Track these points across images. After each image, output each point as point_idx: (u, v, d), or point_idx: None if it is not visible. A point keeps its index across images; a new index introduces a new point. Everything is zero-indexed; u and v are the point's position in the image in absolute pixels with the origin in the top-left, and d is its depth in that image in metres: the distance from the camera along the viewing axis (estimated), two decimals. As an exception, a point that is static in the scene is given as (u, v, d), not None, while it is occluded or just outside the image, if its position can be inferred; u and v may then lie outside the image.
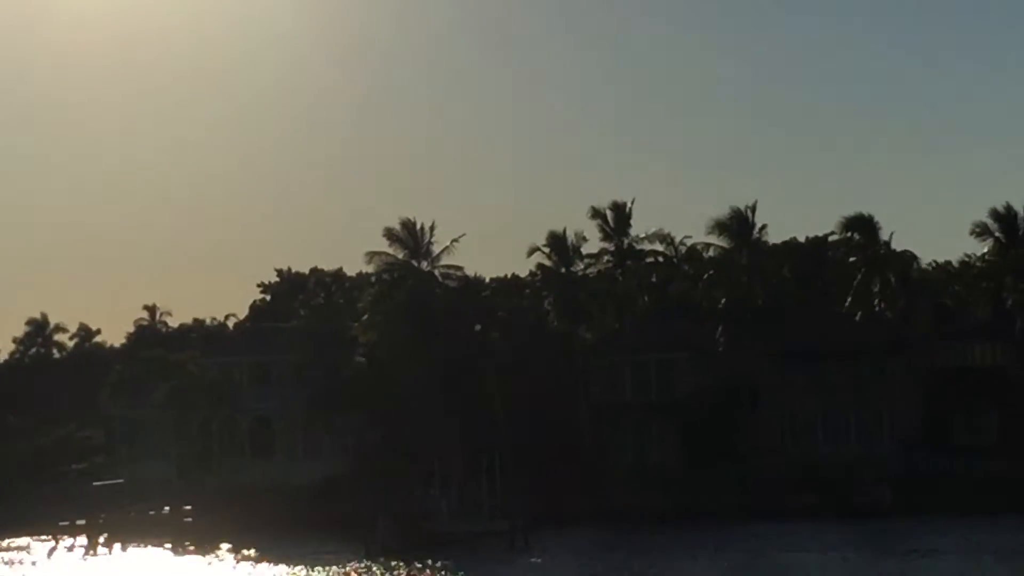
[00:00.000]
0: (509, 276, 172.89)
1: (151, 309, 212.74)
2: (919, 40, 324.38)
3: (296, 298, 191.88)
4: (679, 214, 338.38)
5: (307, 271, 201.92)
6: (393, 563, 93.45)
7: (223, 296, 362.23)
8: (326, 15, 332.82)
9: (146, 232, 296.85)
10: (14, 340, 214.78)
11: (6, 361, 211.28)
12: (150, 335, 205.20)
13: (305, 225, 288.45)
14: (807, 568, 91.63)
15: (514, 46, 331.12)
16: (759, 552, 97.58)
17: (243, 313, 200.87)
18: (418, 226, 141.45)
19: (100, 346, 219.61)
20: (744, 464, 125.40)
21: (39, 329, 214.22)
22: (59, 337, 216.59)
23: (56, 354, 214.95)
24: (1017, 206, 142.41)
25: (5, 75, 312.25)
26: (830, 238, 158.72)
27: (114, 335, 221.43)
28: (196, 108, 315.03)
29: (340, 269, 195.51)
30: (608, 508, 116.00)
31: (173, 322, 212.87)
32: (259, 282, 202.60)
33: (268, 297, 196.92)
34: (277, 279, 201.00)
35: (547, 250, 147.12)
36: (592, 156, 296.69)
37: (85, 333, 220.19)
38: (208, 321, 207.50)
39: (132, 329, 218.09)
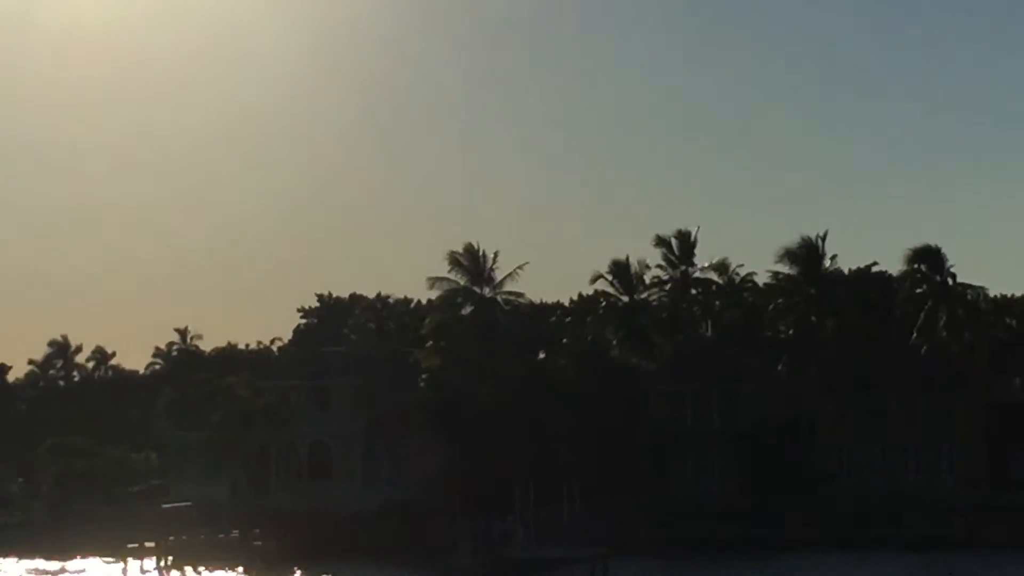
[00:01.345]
0: (571, 301, 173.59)
1: (182, 332, 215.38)
2: (981, 74, 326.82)
3: (340, 322, 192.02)
4: (743, 244, 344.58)
5: (347, 296, 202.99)
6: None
7: (253, 321, 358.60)
8: (372, 47, 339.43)
9: (173, 257, 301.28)
10: (31, 362, 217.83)
11: (48, 384, 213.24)
12: (185, 358, 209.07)
13: (339, 252, 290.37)
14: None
15: (580, 73, 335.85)
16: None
17: (287, 337, 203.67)
18: (480, 252, 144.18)
19: (116, 368, 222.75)
20: (807, 495, 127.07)
21: (61, 351, 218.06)
22: (79, 359, 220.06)
23: (76, 376, 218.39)
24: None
25: (44, 101, 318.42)
26: (897, 270, 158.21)
27: (133, 359, 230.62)
28: (232, 136, 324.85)
29: (379, 294, 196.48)
30: (673, 537, 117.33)
31: (205, 345, 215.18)
32: (299, 307, 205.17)
33: (315, 320, 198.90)
34: (318, 304, 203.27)
35: (610, 277, 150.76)
36: (658, 185, 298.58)
37: (101, 356, 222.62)
38: (252, 345, 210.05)
39: (153, 352, 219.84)
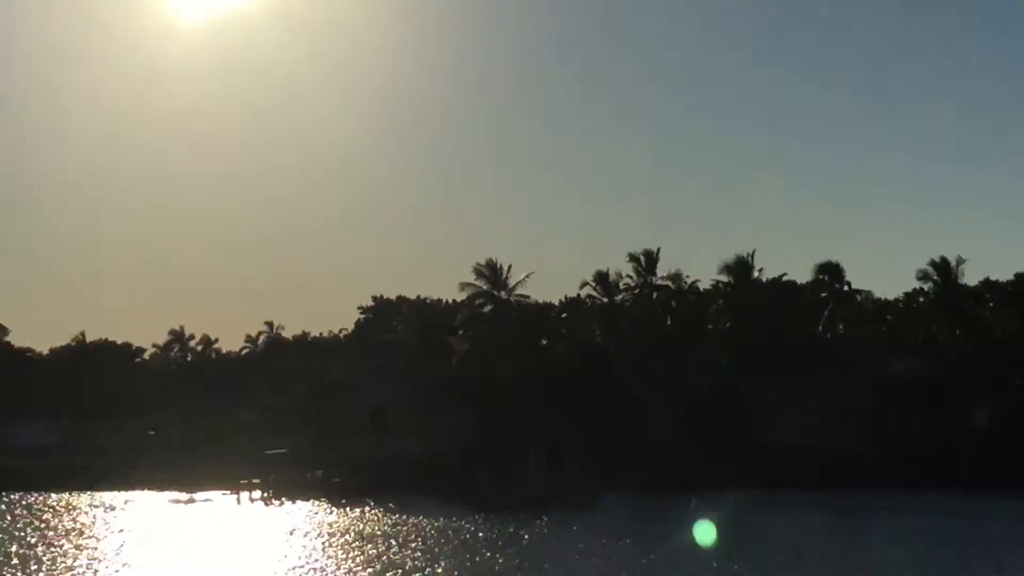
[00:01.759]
0: (565, 301, 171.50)
1: (270, 323, 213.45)
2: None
3: (390, 316, 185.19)
4: (692, 260, 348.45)
5: (394, 297, 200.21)
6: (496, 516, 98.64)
7: (324, 315, 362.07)
8: (405, 86, 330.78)
9: (262, 265, 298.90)
10: (154, 345, 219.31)
11: (170, 363, 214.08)
12: (272, 343, 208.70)
13: (388, 262, 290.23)
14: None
15: (578, 133, 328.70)
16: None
17: (350, 328, 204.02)
18: (498, 265, 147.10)
19: (219, 351, 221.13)
20: (740, 445, 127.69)
21: (178, 337, 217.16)
22: (192, 344, 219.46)
23: (189, 356, 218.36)
24: (951, 257, 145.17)
25: (163, 143, 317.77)
26: (806, 280, 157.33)
27: (230, 344, 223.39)
28: (305, 172, 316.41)
29: (419, 296, 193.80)
30: (646, 476, 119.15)
31: (286, 334, 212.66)
32: (359, 305, 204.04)
33: (371, 315, 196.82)
34: (372, 303, 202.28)
35: (594, 284, 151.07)
36: (631, 214, 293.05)
37: (207, 342, 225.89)
38: (324, 334, 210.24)
39: (244, 339, 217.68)
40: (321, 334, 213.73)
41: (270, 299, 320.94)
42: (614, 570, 68.75)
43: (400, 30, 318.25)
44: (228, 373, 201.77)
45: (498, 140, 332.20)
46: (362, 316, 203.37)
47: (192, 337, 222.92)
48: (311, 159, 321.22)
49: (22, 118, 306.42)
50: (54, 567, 74.91)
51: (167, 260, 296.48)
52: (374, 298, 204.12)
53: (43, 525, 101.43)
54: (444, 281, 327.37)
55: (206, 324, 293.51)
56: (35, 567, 74.11)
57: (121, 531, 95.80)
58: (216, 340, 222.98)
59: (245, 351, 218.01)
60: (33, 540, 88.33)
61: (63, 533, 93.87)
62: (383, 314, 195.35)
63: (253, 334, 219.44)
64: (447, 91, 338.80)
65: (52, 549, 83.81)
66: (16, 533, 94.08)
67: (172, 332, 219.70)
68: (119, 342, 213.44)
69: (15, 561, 77.16)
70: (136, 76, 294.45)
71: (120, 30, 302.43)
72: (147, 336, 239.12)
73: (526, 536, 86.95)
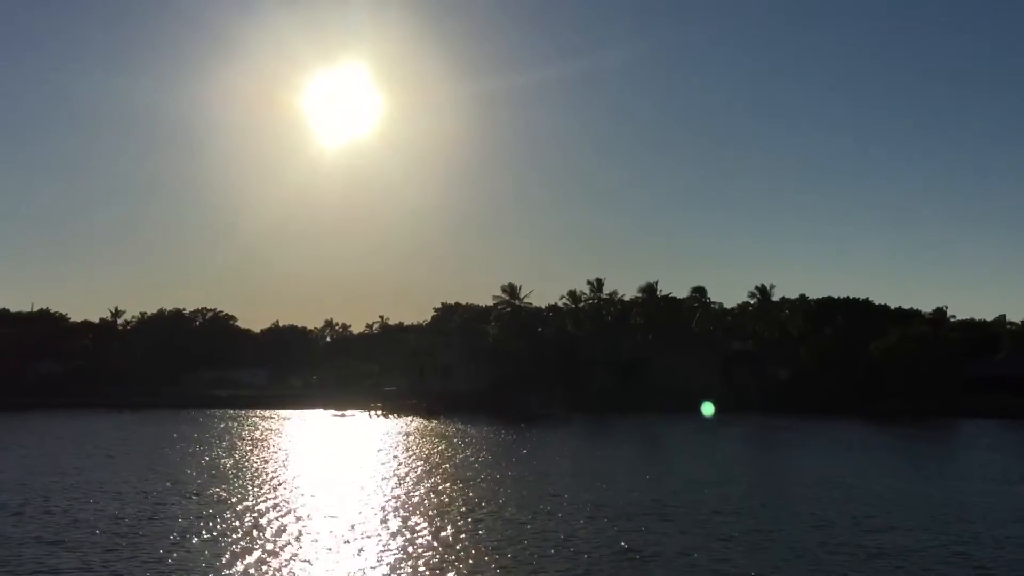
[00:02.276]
0: (550, 306, 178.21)
1: (382, 316, 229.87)
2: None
3: (452, 313, 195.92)
4: (620, 281, 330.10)
5: (452, 302, 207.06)
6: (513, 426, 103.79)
7: (413, 311, 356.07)
8: (457, 175, 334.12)
9: (372, 275, 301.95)
10: (316, 328, 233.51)
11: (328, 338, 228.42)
12: (383, 328, 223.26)
13: (450, 280, 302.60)
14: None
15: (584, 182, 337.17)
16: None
17: (427, 320, 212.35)
18: (515, 286, 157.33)
19: (351, 332, 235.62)
20: (644, 387, 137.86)
21: (328, 324, 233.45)
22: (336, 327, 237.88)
23: (330, 338, 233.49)
24: (767, 283, 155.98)
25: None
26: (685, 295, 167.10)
27: (356, 327, 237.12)
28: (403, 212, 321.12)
29: (468, 303, 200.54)
30: (590, 406, 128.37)
31: (392, 322, 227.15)
32: (434, 306, 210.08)
33: (439, 312, 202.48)
34: (441, 305, 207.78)
35: (568, 298, 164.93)
36: (585, 254, 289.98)
37: (343, 326, 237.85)
38: (414, 322, 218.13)
39: (365, 326, 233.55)
40: (412, 323, 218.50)
41: (381, 300, 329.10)
42: (577, 453, 74.70)
43: (450, 147, 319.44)
44: (357, 344, 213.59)
45: (515, 203, 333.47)
46: (435, 312, 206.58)
47: (336, 323, 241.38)
48: (405, 221, 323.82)
49: (234, 197, 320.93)
50: (271, 442, 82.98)
51: (325, 277, 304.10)
52: (442, 303, 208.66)
53: (260, 425, 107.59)
54: (480, 292, 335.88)
55: (345, 315, 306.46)
56: (260, 445, 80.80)
57: (305, 429, 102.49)
58: (350, 325, 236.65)
59: (365, 331, 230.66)
60: (256, 433, 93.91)
61: (271, 430, 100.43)
62: (447, 311, 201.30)
63: (370, 322, 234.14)
64: (484, 176, 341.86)
65: (267, 436, 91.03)
66: (243, 430, 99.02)
67: (326, 321, 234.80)
68: (298, 326, 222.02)
69: (249, 442, 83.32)
70: (300, 176, 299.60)
71: (289, 151, 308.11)
72: (313, 321, 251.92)
73: (532, 435, 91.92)
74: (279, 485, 53.57)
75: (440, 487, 52.97)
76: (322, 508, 44.99)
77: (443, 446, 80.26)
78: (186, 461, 66.91)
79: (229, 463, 65.52)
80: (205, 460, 67.05)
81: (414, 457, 69.52)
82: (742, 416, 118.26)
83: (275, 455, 71.21)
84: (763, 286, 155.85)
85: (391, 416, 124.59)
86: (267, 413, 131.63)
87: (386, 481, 55.74)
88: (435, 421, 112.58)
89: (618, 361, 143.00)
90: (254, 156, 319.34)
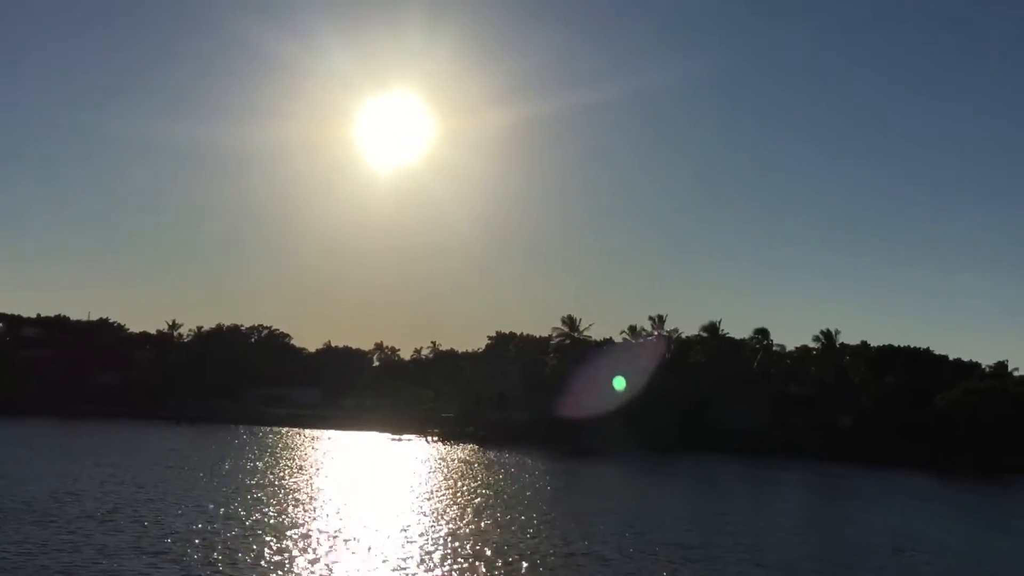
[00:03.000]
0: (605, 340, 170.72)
1: (434, 343, 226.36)
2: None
3: (508, 342, 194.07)
4: (682, 319, 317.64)
5: (508, 332, 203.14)
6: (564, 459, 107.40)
7: (467, 339, 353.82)
8: (505, 205, 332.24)
9: (429, 305, 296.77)
10: (368, 352, 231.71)
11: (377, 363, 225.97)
12: (435, 354, 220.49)
13: (505, 305, 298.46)
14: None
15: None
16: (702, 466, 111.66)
17: (480, 348, 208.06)
18: (574, 318, 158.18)
19: (400, 357, 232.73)
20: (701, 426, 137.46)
21: (378, 347, 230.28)
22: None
23: (377, 362, 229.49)
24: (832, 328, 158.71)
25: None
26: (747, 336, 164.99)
27: (405, 353, 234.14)
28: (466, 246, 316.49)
29: (523, 332, 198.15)
30: (647, 442, 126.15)
31: (444, 347, 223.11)
32: (488, 334, 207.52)
33: (494, 342, 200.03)
34: (496, 334, 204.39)
35: (628, 333, 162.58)
36: (651, 290, 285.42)
37: (392, 350, 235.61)
38: (468, 350, 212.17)
39: (413, 352, 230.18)
40: (464, 350, 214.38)
41: (433, 327, 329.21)
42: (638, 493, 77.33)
43: (500, 172, 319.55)
44: (410, 369, 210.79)
45: (568, 231, 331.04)
46: (490, 340, 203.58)
47: (386, 346, 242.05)
48: (455, 246, 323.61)
49: (291, 219, 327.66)
50: (336, 464, 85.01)
51: (374, 300, 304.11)
52: (497, 332, 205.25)
53: (320, 446, 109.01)
54: (532, 321, 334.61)
55: (393, 339, 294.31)
56: (325, 466, 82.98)
57: (365, 452, 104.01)
58: (398, 349, 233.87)
59: (415, 356, 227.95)
60: (319, 455, 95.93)
61: (333, 451, 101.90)
62: (502, 340, 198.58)
63: (417, 347, 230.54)
64: (535, 202, 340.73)
65: (330, 457, 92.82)
66: (306, 450, 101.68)
67: (376, 343, 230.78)
68: (353, 347, 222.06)
69: (313, 462, 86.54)
70: (353, 199, 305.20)
71: (344, 175, 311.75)
72: (359, 342, 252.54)
73: (589, 470, 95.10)
74: (351, 508, 54.86)
75: (503, 520, 53.80)
76: (403, 536, 45.98)
77: (501, 476, 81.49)
78: (257, 478, 68.61)
79: (300, 482, 67.25)
80: (278, 479, 68.84)
81: (471, 487, 70.48)
82: (799, 461, 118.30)
83: (341, 478, 73.17)
84: (828, 331, 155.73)
85: (448, 443, 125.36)
86: (323, 433, 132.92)
87: (453, 512, 56.76)
88: (486, 450, 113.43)
89: (675, 399, 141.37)
90: (310, 180, 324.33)
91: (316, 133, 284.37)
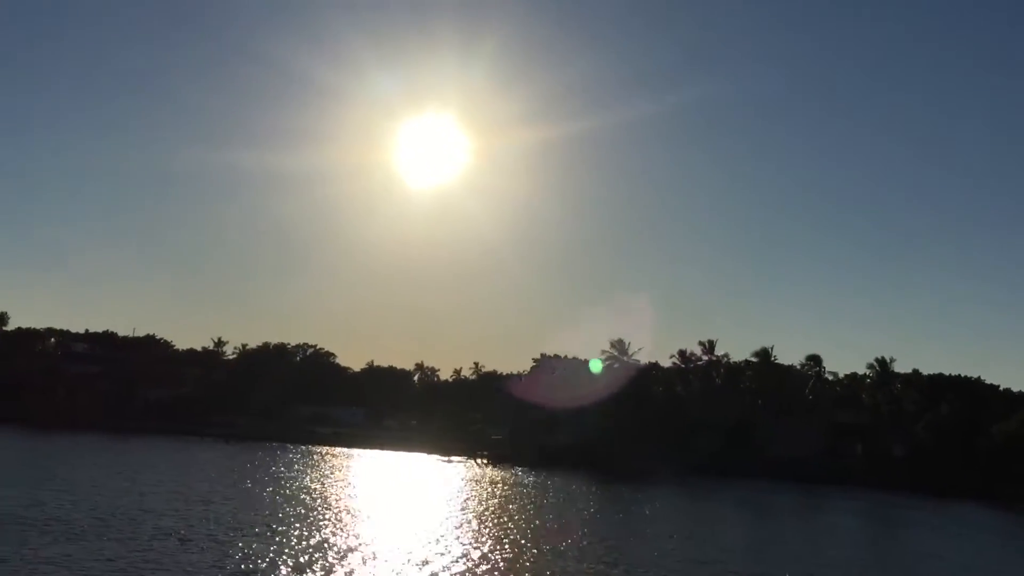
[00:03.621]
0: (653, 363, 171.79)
1: (476, 364, 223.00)
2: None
3: (553, 365, 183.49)
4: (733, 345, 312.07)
5: (552, 354, 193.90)
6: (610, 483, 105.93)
7: (511, 361, 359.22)
8: (543, 225, 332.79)
9: (471, 329, 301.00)
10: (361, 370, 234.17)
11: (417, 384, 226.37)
12: (477, 376, 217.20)
13: (547, 333, 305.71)
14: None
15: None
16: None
17: (524, 370, 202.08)
18: (624, 341, 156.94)
19: (440, 379, 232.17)
20: (749, 453, 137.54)
21: (420, 367, 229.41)
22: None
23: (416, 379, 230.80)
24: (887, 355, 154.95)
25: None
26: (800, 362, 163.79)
27: (445, 373, 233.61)
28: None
29: (568, 355, 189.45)
30: (693, 467, 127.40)
31: (487, 369, 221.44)
32: (533, 356, 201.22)
33: (538, 363, 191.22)
34: (540, 356, 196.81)
35: (678, 357, 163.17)
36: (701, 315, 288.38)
37: (431, 370, 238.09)
38: (511, 372, 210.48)
39: (453, 372, 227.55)
40: (506, 372, 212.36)
41: (479, 349, 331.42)
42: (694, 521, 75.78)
43: (536, 190, 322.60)
44: (455, 389, 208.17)
45: (610, 252, 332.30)
46: (535, 362, 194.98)
47: (426, 367, 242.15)
48: (493, 268, 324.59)
49: (344, 241, 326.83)
50: (380, 483, 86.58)
51: (413, 324, 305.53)
52: (542, 354, 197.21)
53: (364, 466, 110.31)
54: (577, 344, 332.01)
55: (435, 360, 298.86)
56: (368, 484, 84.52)
57: (417, 474, 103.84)
58: (438, 369, 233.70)
59: (455, 377, 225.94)
60: (373, 477, 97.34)
61: (386, 473, 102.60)
62: (546, 362, 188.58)
63: (459, 368, 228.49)
64: (573, 222, 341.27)
65: (384, 479, 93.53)
66: (351, 469, 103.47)
67: (416, 364, 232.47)
68: (397, 367, 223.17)
69: (370, 483, 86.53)
70: (392, 220, 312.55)
71: (383, 194, 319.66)
72: (404, 363, 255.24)
73: (640, 495, 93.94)
74: (419, 531, 55.25)
75: (567, 547, 53.62)
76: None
77: (557, 500, 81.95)
78: (319, 498, 69.12)
79: (362, 504, 68.10)
80: (339, 500, 69.62)
81: (527, 511, 70.91)
82: (850, 490, 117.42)
83: (402, 500, 74.03)
84: (883, 359, 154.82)
85: (498, 466, 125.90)
86: (371, 453, 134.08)
87: (516, 536, 56.80)
88: (533, 473, 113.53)
89: (724, 424, 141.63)
90: (351, 201, 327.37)
91: (357, 155, 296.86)
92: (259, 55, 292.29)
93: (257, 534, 48.97)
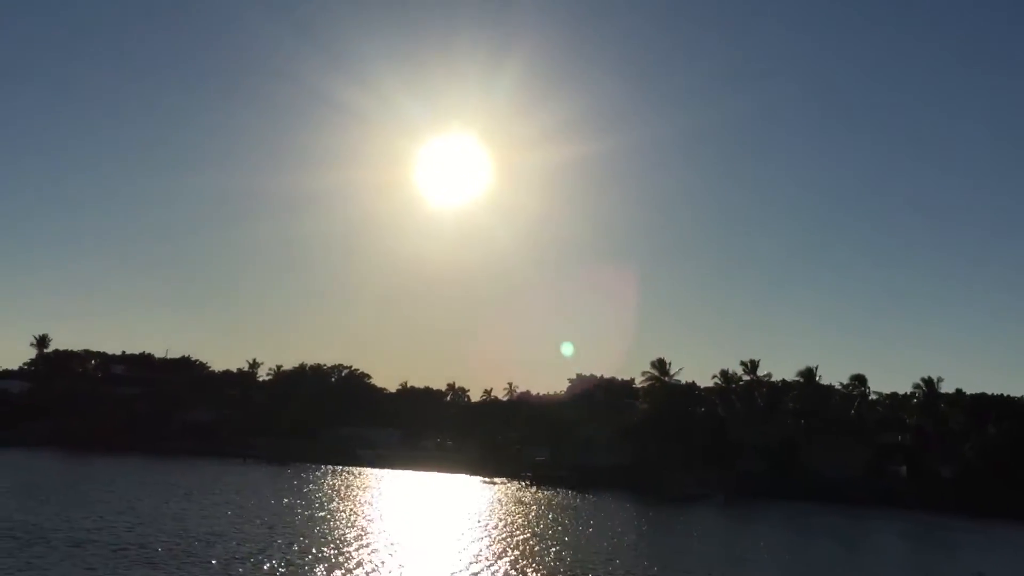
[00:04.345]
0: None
1: (510, 384, 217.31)
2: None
3: (588, 386, 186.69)
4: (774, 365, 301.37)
5: (588, 374, 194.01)
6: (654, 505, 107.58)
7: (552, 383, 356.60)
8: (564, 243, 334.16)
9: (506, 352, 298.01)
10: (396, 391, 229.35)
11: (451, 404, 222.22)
12: (513, 396, 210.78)
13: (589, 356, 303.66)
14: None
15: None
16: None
17: (561, 390, 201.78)
18: (665, 361, 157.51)
19: (469, 400, 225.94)
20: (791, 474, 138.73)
21: (451, 387, 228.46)
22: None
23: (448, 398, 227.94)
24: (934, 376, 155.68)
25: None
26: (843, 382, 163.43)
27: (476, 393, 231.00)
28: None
29: (603, 375, 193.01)
30: (736, 488, 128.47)
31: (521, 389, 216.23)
32: (568, 377, 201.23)
33: (577, 384, 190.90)
34: (576, 376, 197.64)
35: (720, 378, 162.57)
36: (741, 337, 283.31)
37: (461, 390, 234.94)
38: (546, 392, 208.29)
39: (483, 392, 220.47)
40: (546, 392, 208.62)
41: (512, 369, 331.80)
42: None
43: (557, 209, 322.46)
44: (491, 410, 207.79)
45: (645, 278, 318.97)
46: (570, 383, 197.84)
47: (459, 386, 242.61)
48: (521, 288, 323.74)
49: (367, 255, 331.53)
50: (426, 505, 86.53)
51: (443, 346, 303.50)
52: (577, 374, 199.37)
53: (407, 487, 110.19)
54: (619, 366, 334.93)
55: (465, 381, 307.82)
56: (414, 506, 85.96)
57: (465, 496, 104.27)
58: (468, 390, 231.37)
59: (484, 398, 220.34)
60: (422, 500, 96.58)
61: (422, 493, 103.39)
62: (582, 383, 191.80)
63: (489, 388, 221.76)
64: (602, 242, 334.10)
65: (419, 499, 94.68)
66: (396, 491, 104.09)
67: (448, 384, 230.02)
68: (433, 388, 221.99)
69: (404, 501, 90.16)
70: (415, 235, 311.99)
71: (406, 212, 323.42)
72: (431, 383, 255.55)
73: (681, 518, 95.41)
74: (480, 556, 56.58)
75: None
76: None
77: (611, 523, 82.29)
78: (373, 520, 70.85)
79: (411, 526, 69.65)
80: (392, 522, 71.23)
81: (586, 535, 71.62)
82: (894, 511, 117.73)
83: (454, 522, 74.54)
84: (929, 379, 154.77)
85: (542, 487, 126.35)
86: (412, 475, 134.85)
87: (582, 557, 57.85)
88: (576, 495, 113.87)
89: (767, 445, 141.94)
90: (375, 221, 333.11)
91: (383, 175, 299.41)
92: (286, 76, 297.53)
93: (326, 558, 50.41)
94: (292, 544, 54.55)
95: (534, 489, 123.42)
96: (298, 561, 48.57)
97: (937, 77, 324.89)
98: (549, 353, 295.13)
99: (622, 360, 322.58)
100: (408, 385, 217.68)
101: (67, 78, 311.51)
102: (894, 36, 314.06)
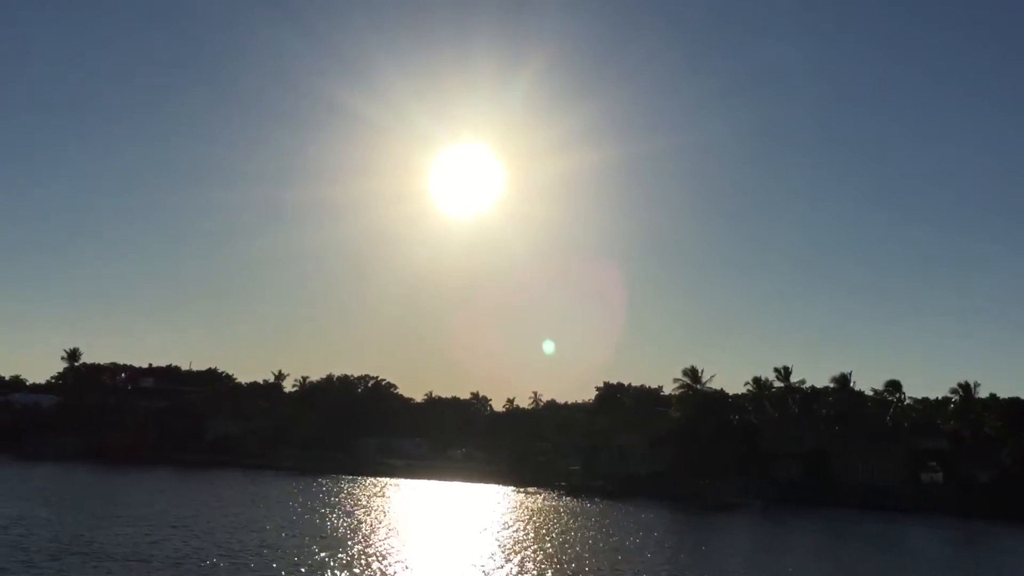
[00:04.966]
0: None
1: (535, 393, 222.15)
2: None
3: (614, 393, 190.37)
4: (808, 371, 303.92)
5: (616, 383, 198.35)
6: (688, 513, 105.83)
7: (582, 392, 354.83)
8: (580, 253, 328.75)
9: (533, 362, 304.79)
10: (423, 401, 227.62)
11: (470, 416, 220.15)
12: (541, 405, 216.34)
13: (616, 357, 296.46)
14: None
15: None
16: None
17: (589, 399, 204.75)
18: (699, 370, 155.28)
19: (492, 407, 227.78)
20: (827, 481, 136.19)
21: (476, 396, 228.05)
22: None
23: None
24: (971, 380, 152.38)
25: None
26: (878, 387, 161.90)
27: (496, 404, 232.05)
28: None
29: (631, 383, 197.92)
30: (771, 496, 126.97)
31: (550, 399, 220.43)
32: (596, 385, 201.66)
33: (604, 393, 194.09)
34: (602, 384, 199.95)
35: (753, 384, 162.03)
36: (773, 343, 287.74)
37: (485, 400, 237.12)
38: (576, 401, 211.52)
39: (506, 402, 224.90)
40: (575, 401, 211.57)
41: (537, 379, 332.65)
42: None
43: (572, 217, 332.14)
44: (518, 419, 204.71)
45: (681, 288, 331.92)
46: (598, 391, 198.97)
47: (482, 396, 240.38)
48: (539, 296, 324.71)
49: (385, 270, 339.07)
50: (469, 516, 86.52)
51: (461, 355, 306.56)
52: (605, 382, 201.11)
53: (443, 499, 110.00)
54: (648, 373, 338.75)
55: (489, 391, 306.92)
56: (455, 517, 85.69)
57: (505, 506, 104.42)
58: (490, 399, 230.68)
59: (525, 409, 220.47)
60: (445, 507, 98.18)
61: (460, 505, 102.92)
62: (610, 391, 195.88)
63: (512, 397, 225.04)
64: (625, 249, 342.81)
65: (460, 511, 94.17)
66: (433, 502, 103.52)
67: (472, 393, 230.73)
68: (460, 397, 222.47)
69: (447, 508, 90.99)
70: (429, 245, 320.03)
71: (421, 224, 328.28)
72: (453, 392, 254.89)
73: (719, 527, 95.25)
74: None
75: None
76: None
77: (657, 534, 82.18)
78: (416, 531, 72.12)
79: (458, 537, 70.25)
80: (457, 536, 71.92)
81: (635, 547, 71.41)
82: (932, 517, 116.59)
83: (500, 533, 75.25)
84: (966, 383, 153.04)
85: (577, 497, 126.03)
86: (445, 485, 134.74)
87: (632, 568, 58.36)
88: (613, 505, 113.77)
89: (801, 452, 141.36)
90: (392, 231, 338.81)
91: (397, 185, 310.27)
92: (304, 89, 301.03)
93: (383, 569, 51.56)
94: (343, 555, 55.43)
95: (569, 498, 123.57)
96: (356, 570, 49.41)
97: (950, 79, 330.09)
98: (569, 361, 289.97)
99: (642, 367, 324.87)
100: (433, 395, 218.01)
101: (95, 96, 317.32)
102: (901, 46, 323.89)
